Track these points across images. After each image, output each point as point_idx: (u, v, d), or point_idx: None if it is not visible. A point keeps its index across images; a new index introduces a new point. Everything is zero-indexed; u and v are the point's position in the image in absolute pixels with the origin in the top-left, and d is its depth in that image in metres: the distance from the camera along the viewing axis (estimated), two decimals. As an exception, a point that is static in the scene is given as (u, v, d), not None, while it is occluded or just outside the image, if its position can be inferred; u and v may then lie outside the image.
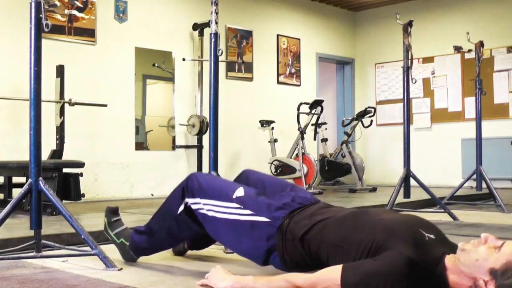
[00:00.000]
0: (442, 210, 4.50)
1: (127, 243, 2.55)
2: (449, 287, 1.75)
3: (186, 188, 2.31)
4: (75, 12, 6.26)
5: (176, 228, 2.37)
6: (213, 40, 3.12)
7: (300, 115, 7.14)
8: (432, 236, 1.83)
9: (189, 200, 2.29)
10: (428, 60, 9.00)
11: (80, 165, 4.59)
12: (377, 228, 1.85)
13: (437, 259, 1.76)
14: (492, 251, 1.66)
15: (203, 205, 2.25)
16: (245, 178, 2.53)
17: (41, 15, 2.53)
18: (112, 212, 2.67)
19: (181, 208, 2.31)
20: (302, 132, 7.08)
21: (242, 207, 2.16)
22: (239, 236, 2.16)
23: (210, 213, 2.23)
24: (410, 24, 4.40)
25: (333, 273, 1.77)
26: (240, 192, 2.22)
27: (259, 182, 2.47)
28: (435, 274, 1.75)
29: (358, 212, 2.03)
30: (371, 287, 1.69)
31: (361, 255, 1.82)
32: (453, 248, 1.80)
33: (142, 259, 2.63)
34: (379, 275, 1.69)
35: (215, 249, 2.93)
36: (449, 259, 1.75)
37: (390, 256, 1.73)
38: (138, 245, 2.52)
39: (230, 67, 7.93)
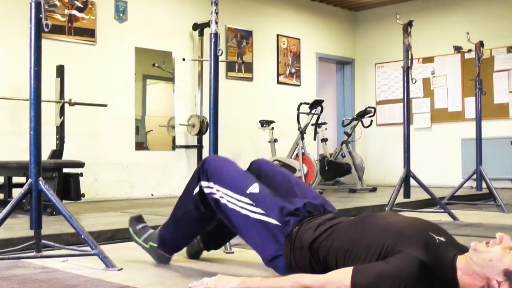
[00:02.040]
0: (442, 210, 4.50)
1: (156, 245, 2.52)
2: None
3: (202, 171, 2.30)
4: (75, 12, 6.26)
5: (195, 212, 2.33)
6: (213, 40, 3.12)
7: (300, 115, 7.14)
8: (442, 238, 1.82)
9: (204, 184, 2.28)
10: (428, 60, 9.00)
11: (80, 165, 4.59)
12: (387, 232, 1.84)
13: (448, 262, 1.75)
14: (507, 251, 1.65)
15: (216, 191, 2.24)
16: (256, 168, 2.47)
17: (41, 15, 2.53)
18: (136, 220, 2.63)
19: (197, 190, 2.30)
20: (302, 132, 7.07)
21: (254, 204, 2.14)
22: (248, 230, 2.17)
23: (222, 200, 2.22)
24: (410, 24, 4.40)
25: (343, 274, 1.75)
26: (254, 188, 2.19)
27: (271, 175, 2.42)
28: (446, 277, 1.74)
29: (365, 216, 2.02)
30: None
31: (370, 259, 1.81)
32: (463, 250, 1.80)
33: (141, 259, 2.62)
34: (391, 277, 1.67)
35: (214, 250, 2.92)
36: (461, 260, 1.75)
37: (402, 258, 1.72)
38: (165, 240, 2.48)
39: (230, 67, 7.93)
